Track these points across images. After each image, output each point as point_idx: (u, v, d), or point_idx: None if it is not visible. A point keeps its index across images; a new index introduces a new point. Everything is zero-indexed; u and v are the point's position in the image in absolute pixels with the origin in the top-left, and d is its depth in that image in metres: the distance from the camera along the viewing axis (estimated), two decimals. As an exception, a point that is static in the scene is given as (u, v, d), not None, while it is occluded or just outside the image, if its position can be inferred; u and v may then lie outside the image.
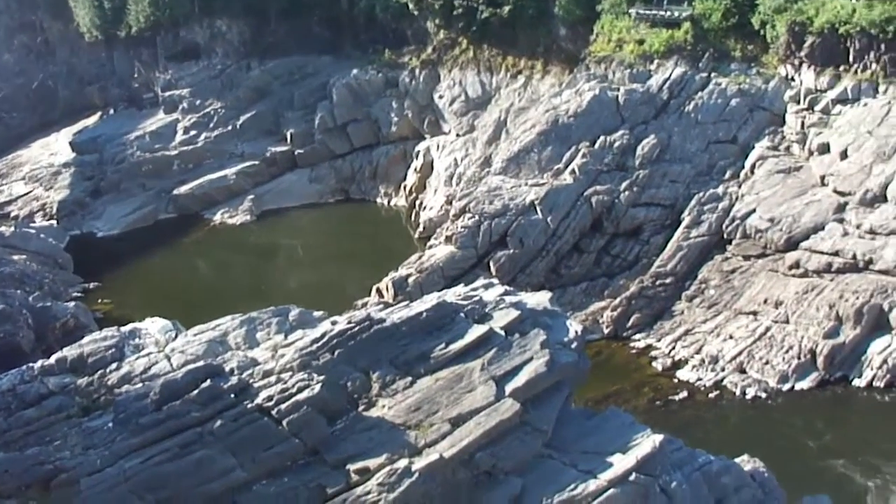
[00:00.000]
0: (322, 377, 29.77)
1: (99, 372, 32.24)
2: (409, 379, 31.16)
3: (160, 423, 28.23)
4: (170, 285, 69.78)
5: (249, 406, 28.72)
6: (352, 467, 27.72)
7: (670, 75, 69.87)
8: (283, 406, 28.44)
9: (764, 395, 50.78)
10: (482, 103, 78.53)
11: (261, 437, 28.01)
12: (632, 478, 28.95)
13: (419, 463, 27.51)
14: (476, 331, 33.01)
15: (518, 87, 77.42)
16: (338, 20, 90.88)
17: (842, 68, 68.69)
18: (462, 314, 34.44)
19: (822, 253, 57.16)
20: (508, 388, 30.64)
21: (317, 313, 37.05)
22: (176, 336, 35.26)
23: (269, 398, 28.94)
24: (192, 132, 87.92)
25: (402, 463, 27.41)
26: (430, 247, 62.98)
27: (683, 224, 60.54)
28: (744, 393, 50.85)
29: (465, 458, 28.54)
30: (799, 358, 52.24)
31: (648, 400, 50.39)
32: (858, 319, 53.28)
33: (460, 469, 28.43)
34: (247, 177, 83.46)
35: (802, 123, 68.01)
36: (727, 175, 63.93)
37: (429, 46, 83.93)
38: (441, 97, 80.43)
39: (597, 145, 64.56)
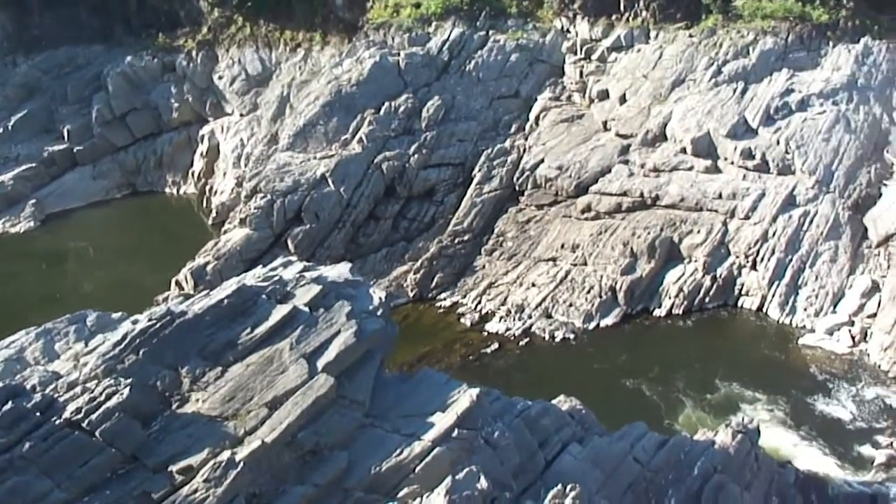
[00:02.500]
0: (130, 380, 27.54)
1: None
2: (220, 369, 29.47)
3: (-37, 455, 25.31)
4: (-48, 309, 64.04)
5: (58, 422, 26.06)
6: (174, 468, 25.88)
7: (449, 36, 69.98)
8: (93, 416, 26.07)
9: (572, 336, 51.57)
10: (263, 80, 76.23)
11: (74, 452, 25.52)
12: (454, 434, 28.40)
13: (242, 452, 26.06)
14: (280, 311, 31.67)
15: (298, 60, 75.63)
16: (106, 6, 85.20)
17: (614, 17, 70.93)
18: (264, 296, 33.02)
19: (611, 195, 58.71)
20: (320, 363, 29.58)
21: (116, 315, 34.50)
22: (-34, 361, 31.86)
23: (78, 410, 26.42)
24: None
25: (225, 455, 25.83)
26: (226, 232, 60.42)
27: (475, 181, 60.76)
28: (552, 337, 51.44)
29: (287, 440, 27.29)
30: (600, 296, 53.42)
31: (461, 356, 50.17)
32: (652, 253, 55.04)
33: (285, 452, 27.19)
34: (25, 181, 77.44)
35: (581, 73, 69.85)
36: (513, 129, 64.65)
37: (204, 27, 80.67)
38: (221, 78, 77.50)
39: (382, 112, 63.73)
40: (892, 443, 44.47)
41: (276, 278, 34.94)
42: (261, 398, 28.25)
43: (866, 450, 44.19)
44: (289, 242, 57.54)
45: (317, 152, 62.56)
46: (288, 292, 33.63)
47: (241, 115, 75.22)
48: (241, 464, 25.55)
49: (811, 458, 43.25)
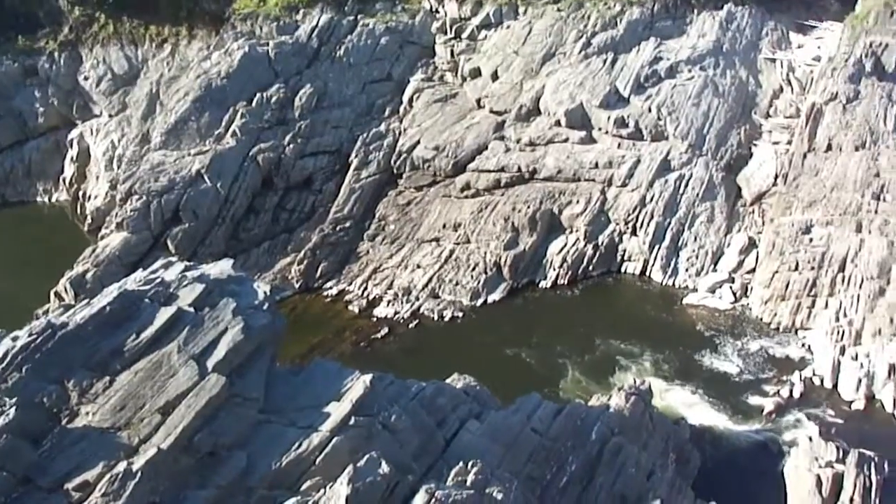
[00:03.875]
0: (14, 399, 26.38)
1: None
2: (108, 379, 28.45)
3: None
4: None
5: (-55, 451, 24.99)
6: (70, 486, 24.91)
7: (318, 23, 69.11)
8: (-20, 440, 25.05)
9: (460, 314, 51.96)
10: (131, 79, 73.81)
11: (-35, 480, 24.53)
12: (352, 422, 28.35)
13: (138, 461, 25.23)
14: (164, 313, 30.82)
15: (165, 56, 73.54)
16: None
17: (480, -5, 71.26)
18: (147, 300, 32.04)
19: (489, 171, 59.15)
20: (210, 363, 28.97)
21: (-6, 332, 33.26)
22: None
23: (-37, 436, 25.32)
24: None
25: (121, 466, 24.98)
26: (103, 237, 58.51)
27: (353, 167, 60.38)
28: (441, 317, 51.76)
29: (184, 445, 26.57)
30: (486, 273, 53.84)
31: (352, 343, 50.05)
32: (533, 227, 55.67)
33: (182, 456, 26.49)
34: None
35: (452, 52, 69.93)
36: (387, 112, 64.42)
37: (65, 27, 77.39)
38: (86, 78, 74.67)
39: (254, 103, 62.65)
40: (778, 391, 46.19)
41: (157, 280, 34.02)
42: (153, 404, 27.54)
43: (755, 400, 45.93)
44: (168, 243, 56.20)
45: (190, 149, 61.13)
46: (171, 294, 32.79)
47: (111, 115, 72.79)
48: (139, 474, 24.82)
49: (704, 413, 44.73)
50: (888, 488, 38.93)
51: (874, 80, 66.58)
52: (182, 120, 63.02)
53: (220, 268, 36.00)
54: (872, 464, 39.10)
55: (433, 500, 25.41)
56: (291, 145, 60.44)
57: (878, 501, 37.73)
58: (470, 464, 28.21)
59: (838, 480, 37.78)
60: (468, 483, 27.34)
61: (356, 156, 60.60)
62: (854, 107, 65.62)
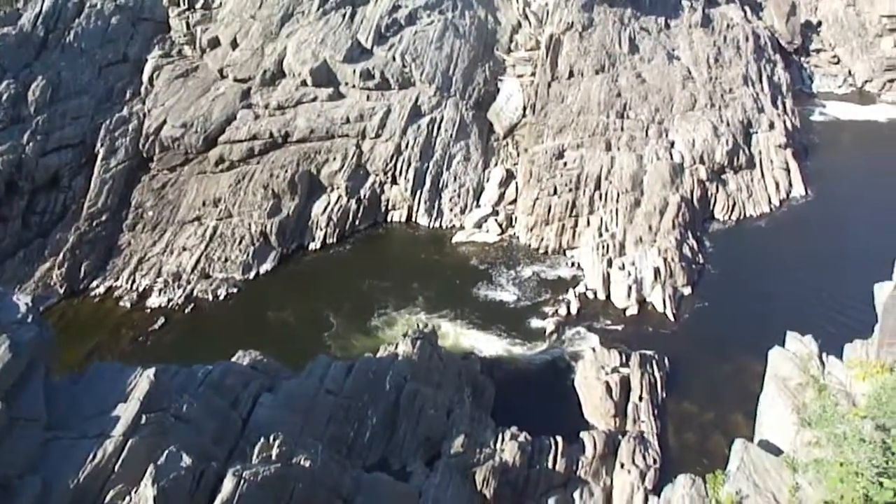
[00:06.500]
0: None
1: None
2: None
3: None
4: None
5: None
6: None
7: (41, 9, 65.19)
8: None
9: (235, 290, 51.56)
10: None
11: None
12: (143, 421, 27.47)
13: None
14: None
15: None
16: None
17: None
18: None
19: (241, 141, 58.50)
20: None
21: None
22: None
23: None
24: None
25: None
26: None
27: (100, 157, 57.94)
28: (216, 296, 51.08)
29: None
30: (254, 244, 53.59)
31: (129, 340, 48.44)
32: (294, 190, 55.64)
33: None
34: None
35: (188, 24, 68.10)
36: (128, 95, 62.09)
37: None
38: None
39: (-16, 103, 58.86)
40: (556, 310, 48.71)
41: None
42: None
43: (537, 322, 48.43)
44: (-87, 267, 52.57)
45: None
46: (-78, 323, 30.93)
47: None
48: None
49: (491, 344, 46.71)
50: (670, 380, 42.46)
51: (605, 7, 70.36)
52: None
53: (-26, 285, 34.24)
54: (654, 362, 42.86)
55: (242, 481, 25.47)
56: (31, 143, 57.06)
57: (664, 394, 41.10)
58: (272, 438, 28.50)
59: (626, 383, 40.99)
60: (273, 457, 27.73)
61: (102, 145, 58.16)
62: (590, 34, 69.07)
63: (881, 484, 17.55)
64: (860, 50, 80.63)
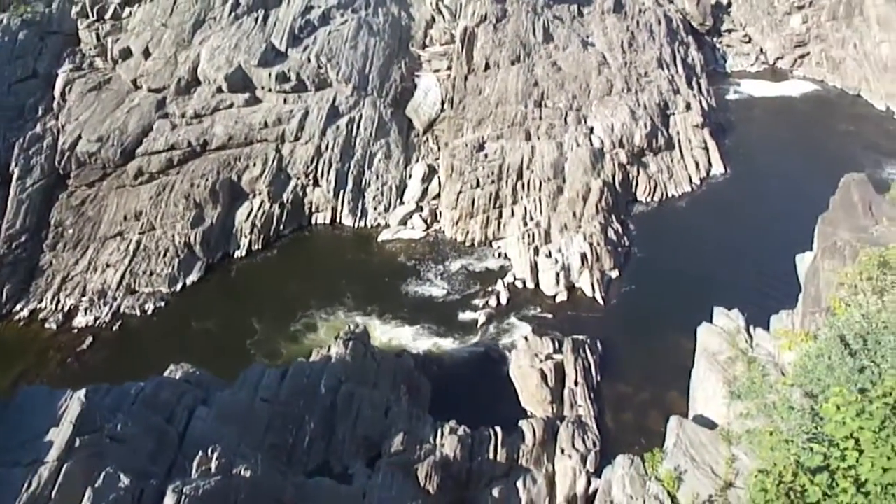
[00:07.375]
0: None
1: None
2: None
3: None
4: None
5: None
6: None
7: (-57, 28, 63.38)
8: None
9: (163, 303, 50.86)
10: None
11: None
12: (77, 444, 26.85)
13: None
14: None
15: None
16: None
17: (114, -30, 68.11)
18: None
19: (159, 152, 57.52)
20: None
21: None
22: None
23: None
24: None
25: None
26: None
27: (15, 177, 56.19)
28: (144, 311, 50.26)
29: None
30: (178, 256, 52.83)
31: (58, 362, 47.37)
32: (215, 199, 55.04)
33: None
34: None
35: (98, 35, 66.68)
36: (40, 111, 60.35)
37: None
38: None
39: None
40: (487, 302, 49.04)
41: None
42: None
43: (468, 315, 48.80)
44: None
45: None
46: None
47: None
48: None
49: (423, 340, 46.91)
50: (604, 363, 43.09)
51: (518, -3, 70.79)
52: None
53: None
54: (586, 346, 43.47)
55: (183, 496, 25.27)
56: (-59, 167, 55.65)
57: (598, 377, 41.70)
58: (210, 450, 28.26)
59: (560, 369, 41.46)
60: (213, 470, 27.52)
61: (16, 164, 56.51)
62: (504, 25, 69.51)
63: (811, 449, 18.06)
64: (770, 28, 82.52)
